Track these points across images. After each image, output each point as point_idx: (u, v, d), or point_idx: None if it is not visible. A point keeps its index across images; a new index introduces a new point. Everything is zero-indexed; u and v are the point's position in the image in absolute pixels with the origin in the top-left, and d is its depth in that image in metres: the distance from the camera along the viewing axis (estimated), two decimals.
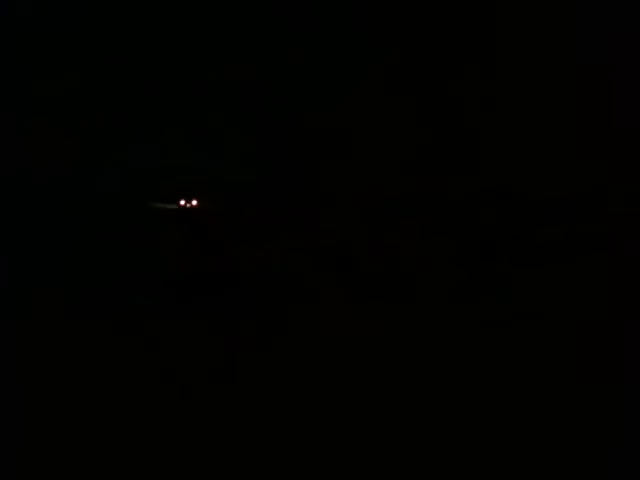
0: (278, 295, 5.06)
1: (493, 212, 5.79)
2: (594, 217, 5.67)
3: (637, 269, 5.16)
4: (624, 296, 4.93)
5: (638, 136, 6.48)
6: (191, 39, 6.90)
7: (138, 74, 6.67)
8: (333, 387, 4.29)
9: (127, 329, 4.78)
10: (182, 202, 6.06)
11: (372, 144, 6.56)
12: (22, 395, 4.26)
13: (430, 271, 5.24)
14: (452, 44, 7.26)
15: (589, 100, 6.78)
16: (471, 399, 4.18)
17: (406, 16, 7.18)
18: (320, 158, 6.45)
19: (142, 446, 3.92)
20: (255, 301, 5.01)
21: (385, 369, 4.41)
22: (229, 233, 5.72)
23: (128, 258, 5.44)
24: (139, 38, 6.74)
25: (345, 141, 6.62)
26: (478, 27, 7.30)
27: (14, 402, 4.20)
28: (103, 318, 4.88)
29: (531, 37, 7.27)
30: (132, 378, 4.39)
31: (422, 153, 6.44)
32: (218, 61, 6.90)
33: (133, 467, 3.81)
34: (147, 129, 6.61)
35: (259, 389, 4.29)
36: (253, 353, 4.57)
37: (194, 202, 6.06)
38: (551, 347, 4.54)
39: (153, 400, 4.22)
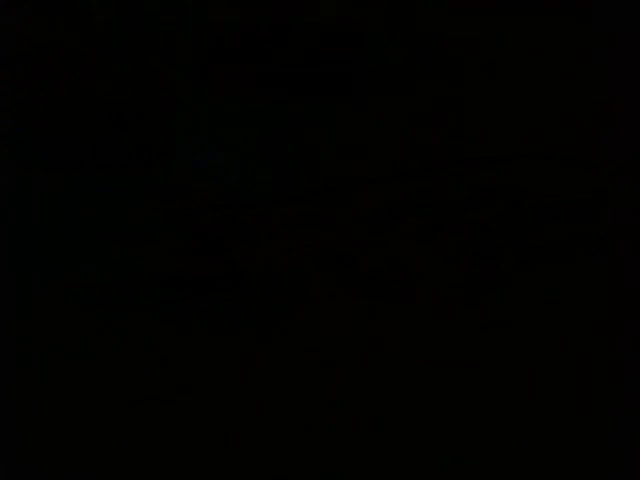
0: (278, 295, 5.06)
1: (493, 212, 5.79)
2: (594, 217, 5.68)
3: (637, 269, 5.16)
4: (624, 296, 4.93)
5: (638, 136, 6.49)
6: (191, 38, 6.91)
7: (138, 74, 6.68)
8: (333, 387, 4.29)
9: (127, 329, 4.78)
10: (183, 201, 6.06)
11: (372, 144, 6.56)
12: (22, 395, 4.26)
13: (430, 271, 5.24)
14: (452, 44, 7.27)
15: (589, 100, 6.78)
16: (471, 399, 4.18)
17: (406, 16, 7.19)
18: (320, 158, 6.45)
19: (142, 446, 3.93)
20: (255, 301, 5.01)
21: (385, 369, 4.42)
22: (229, 233, 5.72)
23: (128, 258, 5.44)
24: (139, 39, 6.75)
25: (345, 141, 6.62)
26: (478, 27, 7.31)
27: (14, 402, 4.20)
28: (103, 318, 4.88)
29: (531, 37, 7.28)
30: (132, 378, 4.39)
31: (422, 153, 6.44)
32: (218, 60, 6.91)
33: (133, 467, 3.81)
34: (148, 129, 6.61)
35: (259, 389, 4.29)
36: (253, 353, 4.57)
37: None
38: (551, 347, 4.54)
39: (153, 401, 4.22)
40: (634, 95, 6.83)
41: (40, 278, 5.23)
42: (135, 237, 5.66)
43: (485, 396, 4.20)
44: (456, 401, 4.17)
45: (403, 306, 4.93)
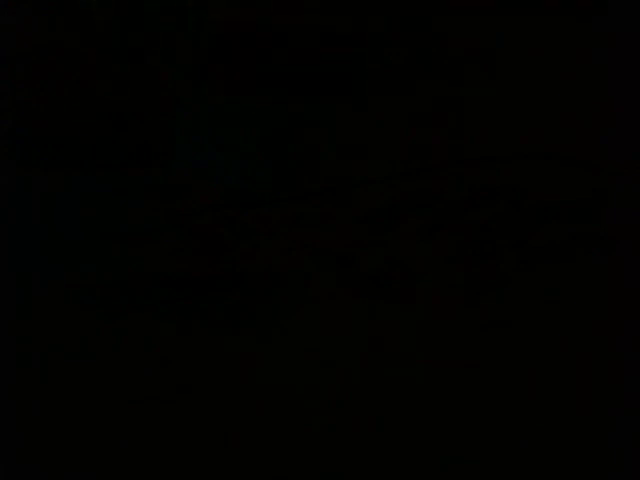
0: (278, 295, 5.06)
1: (493, 212, 5.79)
2: (594, 217, 5.68)
3: (637, 269, 5.16)
4: (624, 296, 4.93)
5: (638, 136, 6.49)
6: (191, 38, 6.90)
7: (138, 74, 6.68)
8: (333, 387, 4.29)
9: (127, 329, 4.78)
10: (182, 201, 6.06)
11: (372, 144, 6.56)
12: (22, 395, 4.26)
13: (430, 271, 5.24)
14: (452, 44, 7.27)
15: (589, 100, 6.78)
16: (471, 398, 4.18)
17: (407, 16, 7.18)
18: (320, 158, 6.45)
19: (142, 446, 3.92)
20: (255, 301, 5.01)
21: (385, 369, 4.41)
22: (229, 233, 5.72)
23: (128, 258, 5.44)
24: (139, 39, 6.75)
25: (345, 141, 6.62)
26: (478, 27, 7.30)
27: (14, 402, 4.20)
28: (103, 318, 4.88)
29: (531, 37, 7.28)
30: (132, 378, 4.39)
31: (422, 153, 6.44)
32: (218, 60, 6.91)
33: (133, 467, 3.81)
34: (148, 129, 6.61)
35: (259, 389, 4.29)
36: (253, 353, 4.57)
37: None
38: (551, 347, 4.54)
39: (153, 401, 4.22)
40: (634, 95, 6.82)
41: (40, 278, 5.23)
42: (135, 237, 5.66)
43: (485, 396, 4.19)
44: (456, 401, 4.17)
45: (403, 306, 4.93)
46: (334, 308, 4.94)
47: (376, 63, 7.14)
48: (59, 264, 5.37)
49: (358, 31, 7.16)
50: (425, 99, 6.91)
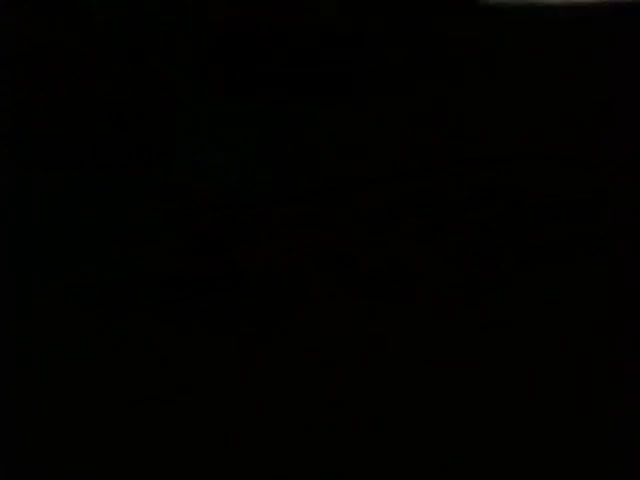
0: (278, 295, 5.06)
1: (493, 212, 5.79)
2: (594, 217, 5.68)
3: (637, 269, 5.16)
4: (624, 296, 4.93)
5: (638, 136, 6.49)
6: (191, 38, 6.91)
7: (138, 74, 6.68)
8: (333, 387, 4.28)
9: (127, 329, 4.77)
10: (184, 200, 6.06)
11: (372, 144, 6.56)
12: (22, 395, 4.26)
13: (430, 271, 5.24)
14: (452, 43, 7.27)
15: (589, 100, 6.78)
16: (471, 399, 4.18)
17: (407, 16, 7.18)
18: (320, 158, 6.46)
19: (142, 446, 3.92)
20: (255, 301, 5.01)
21: (385, 369, 4.41)
22: (229, 233, 5.72)
23: (128, 258, 5.44)
24: (139, 39, 6.75)
25: (345, 141, 6.62)
26: (478, 26, 7.30)
27: (14, 402, 4.20)
28: (103, 318, 4.88)
29: (531, 37, 7.28)
30: (132, 378, 4.38)
31: (422, 153, 6.44)
32: (218, 60, 6.91)
33: (133, 467, 3.81)
34: (148, 129, 6.61)
35: (259, 389, 4.28)
36: (253, 353, 4.57)
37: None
38: (551, 347, 4.54)
39: (153, 401, 4.21)
40: (634, 95, 6.83)
41: (40, 278, 5.23)
42: (135, 237, 5.66)
43: (485, 396, 4.19)
44: (456, 401, 4.16)
45: (403, 306, 4.93)
46: (334, 308, 4.93)
47: (376, 63, 7.14)
48: (59, 264, 5.36)
49: (358, 31, 7.15)
50: (425, 99, 6.91)
